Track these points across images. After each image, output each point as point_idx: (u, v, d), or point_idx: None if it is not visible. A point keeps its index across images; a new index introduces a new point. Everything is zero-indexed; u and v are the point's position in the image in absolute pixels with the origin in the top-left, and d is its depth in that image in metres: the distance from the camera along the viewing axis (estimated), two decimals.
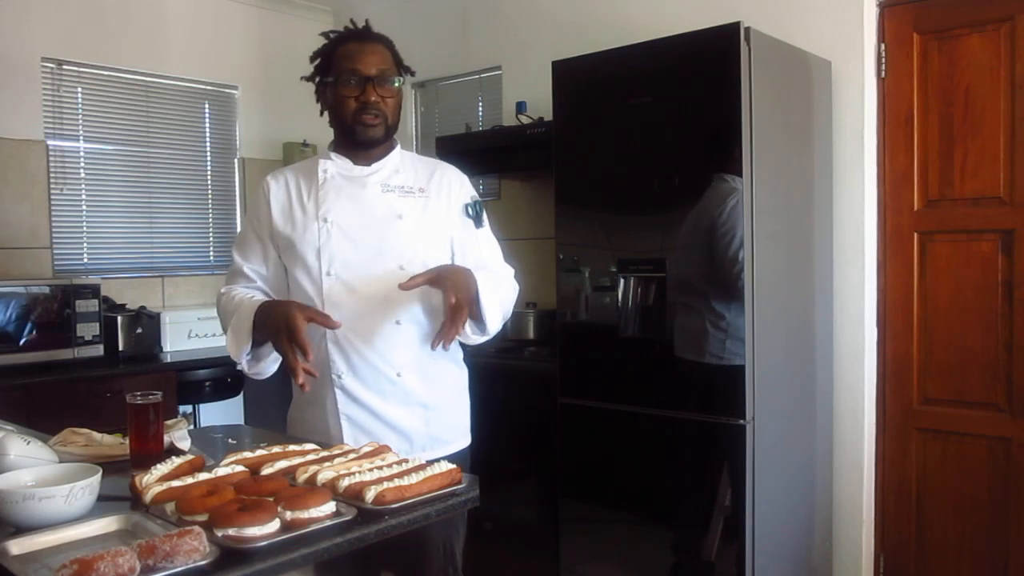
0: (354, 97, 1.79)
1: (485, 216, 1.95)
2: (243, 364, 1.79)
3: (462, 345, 1.95)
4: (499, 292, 1.84)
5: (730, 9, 2.67)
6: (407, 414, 1.83)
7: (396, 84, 1.83)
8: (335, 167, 1.87)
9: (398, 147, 1.92)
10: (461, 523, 1.86)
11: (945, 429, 2.70)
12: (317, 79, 1.88)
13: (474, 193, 1.96)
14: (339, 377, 1.81)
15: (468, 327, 1.78)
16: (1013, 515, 2.58)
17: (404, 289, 1.64)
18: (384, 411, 1.82)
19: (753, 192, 2.37)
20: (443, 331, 1.68)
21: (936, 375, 2.72)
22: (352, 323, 1.76)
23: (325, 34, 1.88)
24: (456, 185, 1.92)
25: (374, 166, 1.86)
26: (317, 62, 1.88)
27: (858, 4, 2.76)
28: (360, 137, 1.82)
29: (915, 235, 2.74)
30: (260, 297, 1.82)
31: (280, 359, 1.80)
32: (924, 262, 2.73)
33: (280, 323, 1.62)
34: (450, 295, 1.65)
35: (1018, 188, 2.56)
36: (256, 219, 1.92)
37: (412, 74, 1.93)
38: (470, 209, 1.91)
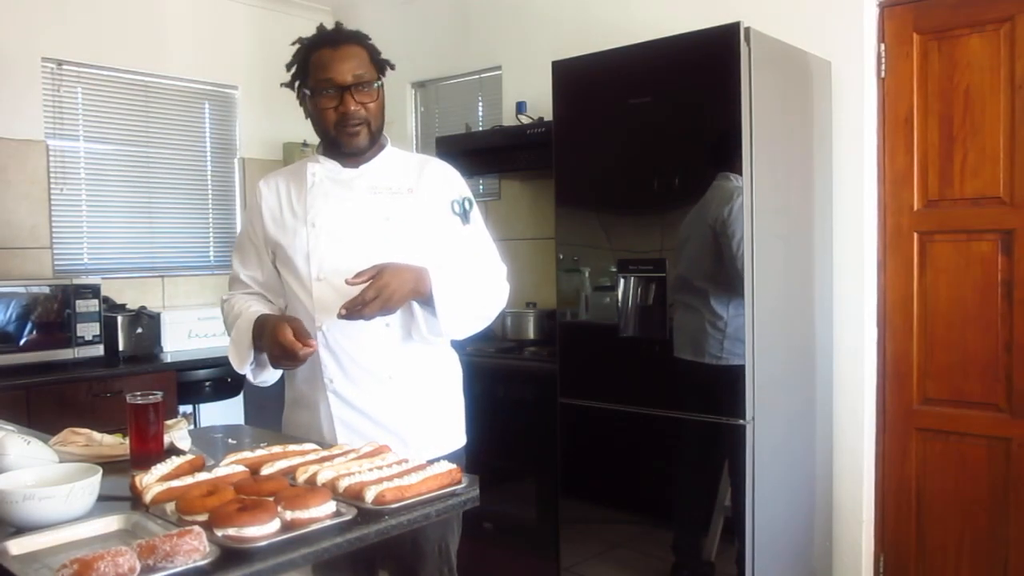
0: (332, 108, 1.77)
1: (476, 213, 1.92)
2: (248, 374, 1.81)
3: (454, 343, 1.95)
4: (469, 295, 1.80)
5: (730, 9, 2.67)
6: (401, 416, 1.82)
7: (375, 87, 1.80)
8: (323, 170, 1.85)
9: (388, 146, 1.90)
10: (456, 523, 1.85)
11: (945, 429, 2.70)
12: (296, 86, 1.85)
13: (463, 190, 1.91)
14: (331, 381, 1.81)
15: (423, 325, 1.77)
16: (1013, 515, 2.58)
17: (350, 285, 1.62)
18: (377, 414, 1.81)
19: (753, 192, 2.37)
20: (349, 303, 1.62)
21: (936, 375, 2.72)
22: (343, 327, 1.75)
23: (298, 40, 1.85)
24: (443, 182, 1.89)
25: (362, 168, 1.85)
26: (294, 70, 1.85)
27: (858, 4, 2.76)
28: (345, 149, 1.81)
29: (915, 235, 2.74)
30: (256, 308, 1.83)
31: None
32: (924, 262, 2.73)
33: (272, 345, 1.68)
34: (370, 290, 1.61)
35: (1018, 188, 2.56)
36: (251, 225, 1.93)
37: (392, 67, 1.88)
38: (456, 206, 1.87)
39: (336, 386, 1.81)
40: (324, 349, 1.80)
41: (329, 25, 1.91)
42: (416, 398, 1.84)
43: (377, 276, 1.63)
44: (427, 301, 1.73)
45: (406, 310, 1.76)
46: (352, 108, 1.76)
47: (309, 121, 1.88)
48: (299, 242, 1.82)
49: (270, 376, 1.84)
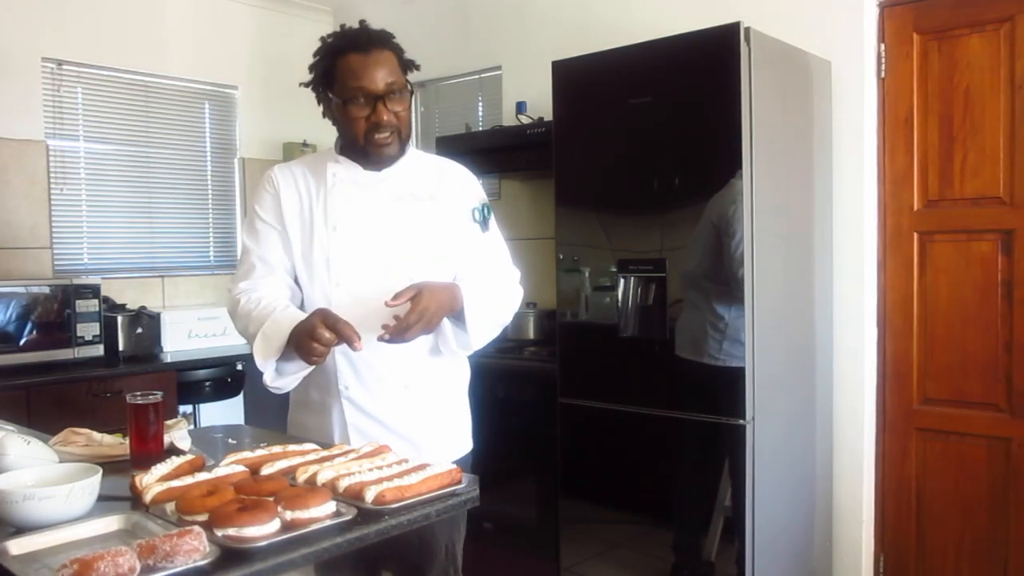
0: (364, 117, 1.71)
1: (493, 219, 1.91)
2: (267, 375, 1.72)
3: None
4: (493, 306, 1.81)
5: (730, 9, 2.67)
6: (415, 423, 1.82)
7: (408, 93, 1.75)
8: (344, 171, 1.80)
9: (410, 148, 1.85)
10: (463, 522, 1.85)
11: (945, 429, 2.70)
12: (320, 89, 1.78)
13: (482, 195, 1.91)
14: (346, 388, 1.79)
15: (452, 340, 1.76)
16: (1013, 515, 2.58)
17: (389, 306, 1.59)
18: (392, 421, 1.80)
19: (753, 192, 2.37)
20: (393, 328, 1.60)
21: (936, 375, 2.72)
22: (360, 334, 1.70)
23: (324, 39, 1.77)
24: (464, 189, 1.87)
25: (384, 172, 1.80)
26: (317, 71, 1.77)
27: (858, 4, 2.76)
28: (374, 158, 1.76)
29: (915, 235, 2.74)
30: (294, 310, 1.72)
31: (301, 379, 1.76)
32: (924, 262, 2.73)
33: (303, 339, 1.57)
34: (412, 315, 1.59)
35: (1018, 188, 2.56)
36: (269, 212, 1.83)
37: (417, 68, 1.83)
38: (476, 214, 1.86)
39: (351, 393, 1.79)
40: (340, 355, 1.77)
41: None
42: (430, 406, 1.84)
43: (416, 299, 1.61)
44: (457, 316, 1.73)
45: None
46: (385, 118, 1.71)
47: (330, 123, 1.82)
48: (319, 245, 1.78)
49: (287, 384, 1.76)
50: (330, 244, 1.77)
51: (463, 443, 1.93)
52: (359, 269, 1.76)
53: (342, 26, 1.79)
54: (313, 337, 1.55)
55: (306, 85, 1.82)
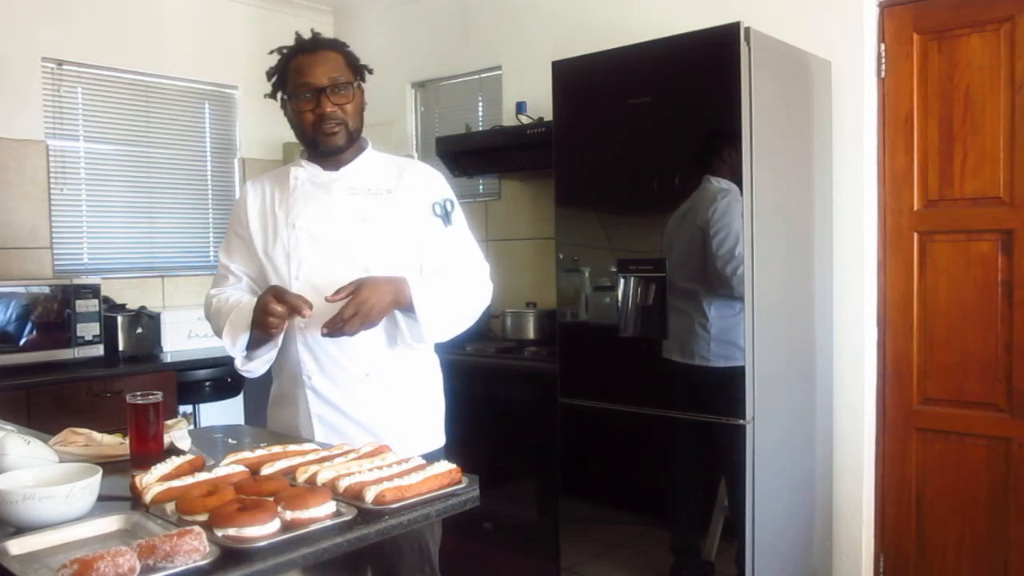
0: (310, 110, 1.82)
1: (458, 215, 1.94)
2: (237, 359, 1.85)
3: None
4: (450, 299, 1.84)
5: (730, 9, 2.67)
6: (377, 414, 1.85)
7: (351, 89, 1.84)
8: (305, 174, 1.90)
9: (369, 148, 1.94)
10: (436, 523, 1.85)
11: (945, 429, 2.70)
12: (278, 95, 1.91)
13: (445, 192, 1.94)
14: (309, 378, 1.85)
15: (406, 332, 1.81)
16: (1013, 515, 2.58)
17: (329, 302, 1.66)
18: (353, 411, 1.84)
19: (753, 192, 2.37)
20: (329, 322, 1.67)
21: (936, 375, 2.72)
22: (320, 325, 1.76)
23: (277, 50, 1.90)
24: (424, 184, 1.92)
25: (342, 171, 1.89)
26: (274, 79, 1.90)
27: (858, 4, 2.76)
28: (322, 148, 1.85)
29: (915, 235, 2.74)
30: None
31: (271, 361, 1.89)
32: (924, 262, 2.73)
33: (259, 315, 1.72)
34: (348, 308, 1.65)
35: (1018, 188, 2.56)
36: (237, 223, 1.98)
37: (370, 72, 1.93)
38: (437, 208, 1.90)
39: (314, 382, 1.85)
40: (302, 346, 1.84)
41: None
42: (393, 397, 1.87)
43: (355, 292, 1.67)
44: (409, 308, 1.76)
45: (389, 318, 1.79)
46: (328, 109, 1.81)
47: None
48: (280, 242, 1.87)
49: (257, 368, 1.88)
50: (289, 240, 1.86)
51: (432, 438, 1.95)
52: (316, 262, 1.83)
53: (296, 36, 1.90)
54: (266, 311, 1.69)
55: (270, 96, 1.94)
